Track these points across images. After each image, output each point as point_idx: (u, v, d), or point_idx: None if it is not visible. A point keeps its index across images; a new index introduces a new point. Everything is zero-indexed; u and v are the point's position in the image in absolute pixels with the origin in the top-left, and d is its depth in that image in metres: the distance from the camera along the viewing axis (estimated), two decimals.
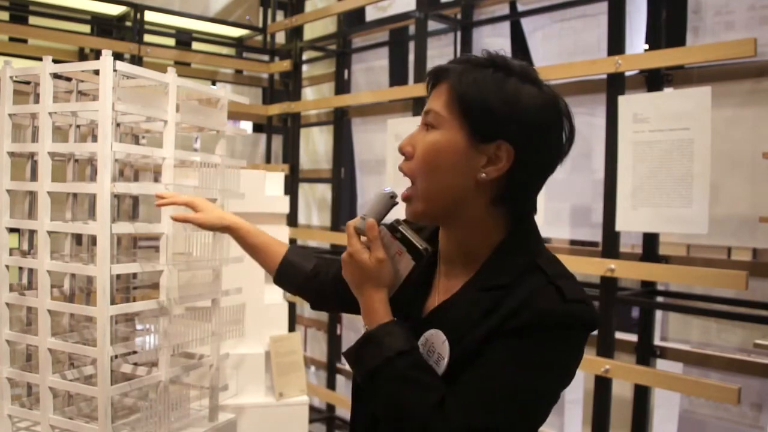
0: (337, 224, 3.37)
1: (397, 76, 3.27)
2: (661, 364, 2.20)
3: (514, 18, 2.72)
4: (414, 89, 2.75)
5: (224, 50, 3.83)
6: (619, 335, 2.24)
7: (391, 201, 1.00)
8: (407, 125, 2.69)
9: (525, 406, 0.89)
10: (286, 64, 3.57)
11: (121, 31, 3.30)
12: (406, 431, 0.90)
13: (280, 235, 2.65)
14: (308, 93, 3.92)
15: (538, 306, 0.88)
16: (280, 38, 3.83)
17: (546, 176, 0.99)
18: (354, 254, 0.98)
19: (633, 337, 2.28)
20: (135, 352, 1.74)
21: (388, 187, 1.01)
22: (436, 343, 0.95)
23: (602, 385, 2.12)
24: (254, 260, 1.37)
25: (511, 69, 0.95)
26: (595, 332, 2.13)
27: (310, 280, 1.29)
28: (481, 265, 0.97)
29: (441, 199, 0.96)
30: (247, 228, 1.36)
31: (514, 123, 0.92)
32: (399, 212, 0.99)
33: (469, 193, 0.95)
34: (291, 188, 3.36)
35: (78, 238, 1.80)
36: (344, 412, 3.40)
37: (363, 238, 1.00)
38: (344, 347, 3.45)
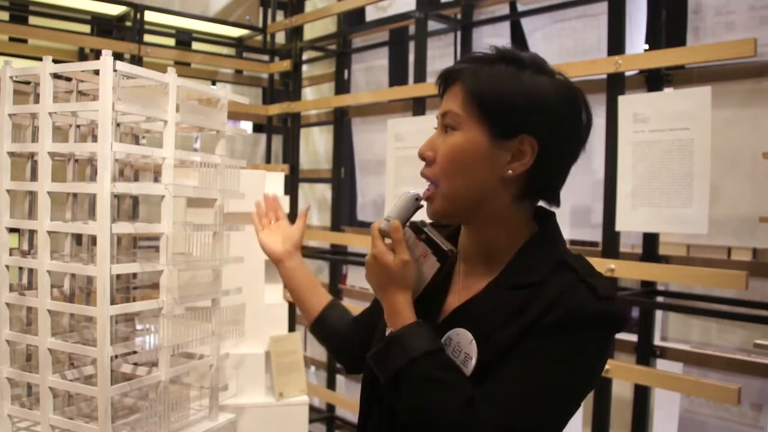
0: (337, 224, 3.37)
1: (397, 76, 3.27)
2: (661, 364, 2.20)
3: (514, 18, 2.72)
4: (414, 89, 2.75)
5: (224, 50, 3.83)
6: (619, 335, 2.22)
7: (416, 203, 0.99)
8: (407, 125, 2.70)
9: (556, 405, 0.88)
10: (286, 64, 3.57)
11: (121, 31, 3.30)
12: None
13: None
14: (308, 93, 3.92)
15: (571, 304, 0.88)
16: (280, 38, 3.83)
17: (570, 166, 0.99)
18: (378, 256, 0.97)
19: (633, 337, 2.27)
20: (135, 352, 1.74)
21: (413, 189, 0.99)
22: (463, 343, 0.93)
23: (602, 385, 2.12)
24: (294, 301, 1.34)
25: (522, 61, 0.94)
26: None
27: (343, 339, 1.26)
28: (506, 264, 0.96)
29: (465, 199, 0.95)
30: (295, 270, 1.32)
31: (535, 115, 0.91)
32: (420, 213, 0.99)
33: (494, 190, 0.94)
34: (291, 188, 3.36)
35: (78, 238, 1.80)
36: (344, 412, 3.40)
37: (387, 240, 0.99)
38: None
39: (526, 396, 0.86)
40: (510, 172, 0.93)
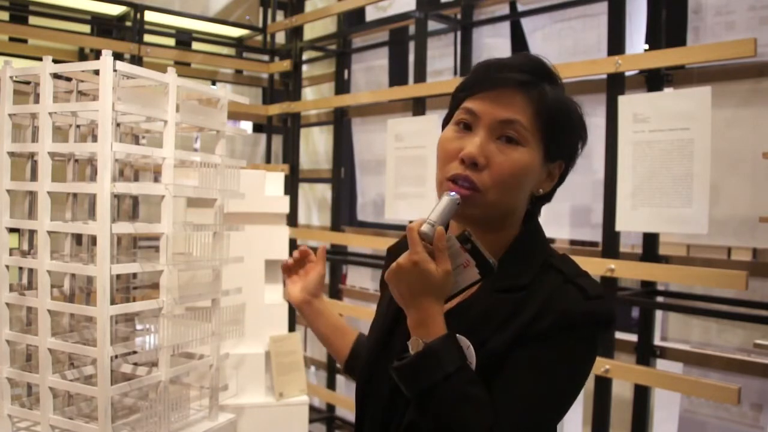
0: (337, 224, 3.37)
1: (397, 76, 3.27)
2: (661, 364, 2.20)
3: (514, 18, 2.72)
4: (414, 89, 2.75)
5: (224, 50, 3.83)
6: (619, 335, 2.24)
7: (457, 207, 0.91)
8: (407, 125, 2.70)
9: (555, 408, 0.91)
10: (286, 64, 3.57)
11: (121, 31, 3.30)
12: None
13: (280, 235, 2.66)
14: (308, 93, 3.92)
15: (562, 307, 0.89)
16: (280, 38, 3.83)
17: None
18: (421, 263, 0.88)
19: (633, 337, 2.27)
20: (135, 352, 1.74)
21: (453, 192, 0.91)
22: (462, 349, 0.92)
23: (602, 385, 2.12)
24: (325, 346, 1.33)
25: (557, 80, 0.97)
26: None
27: None
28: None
29: (501, 211, 0.95)
30: (323, 312, 1.31)
31: (577, 143, 0.98)
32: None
33: (522, 204, 0.98)
34: (291, 188, 3.36)
35: (78, 238, 1.80)
36: (344, 412, 3.40)
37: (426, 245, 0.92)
38: None
39: (535, 406, 0.88)
40: (541, 190, 0.97)
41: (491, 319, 0.92)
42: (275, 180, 2.77)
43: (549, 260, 0.95)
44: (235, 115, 3.58)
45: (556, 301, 0.89)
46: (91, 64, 1.58)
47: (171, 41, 3.62)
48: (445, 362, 0.86)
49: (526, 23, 2.68)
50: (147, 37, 3.27)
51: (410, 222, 1.03)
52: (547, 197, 1.02)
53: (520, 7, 2.70)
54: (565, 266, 0.94)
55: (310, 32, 3.70)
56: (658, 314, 2.30)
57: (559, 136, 0.94)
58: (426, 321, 0.89)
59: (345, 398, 3.25)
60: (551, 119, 0.92)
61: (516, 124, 0.91)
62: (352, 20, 3.59)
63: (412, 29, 3.02)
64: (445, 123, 1.02)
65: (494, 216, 0.95)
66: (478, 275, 0.91)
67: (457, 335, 0.91)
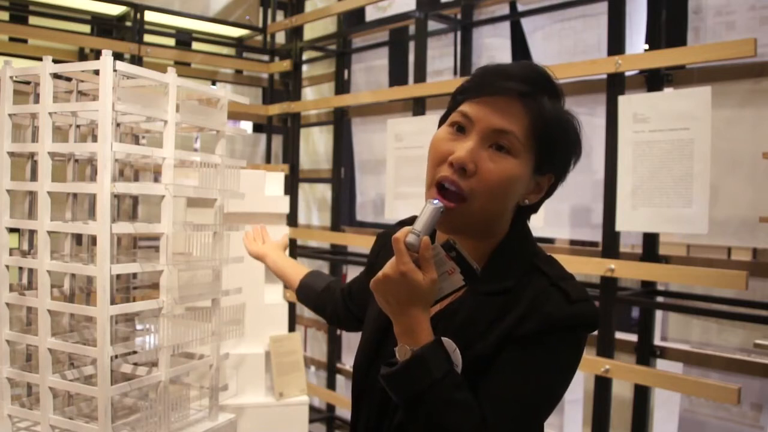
0: (337, 224, 3.37)
1: (397, 76, 3.26)
2: (661, 364, 2.20)
3: (514, 18, 2.72)
4: (414, 89, 2.75)
5: (224, 50, 3.83)
6: (619, 335, 2.24)
7: (440, 216, 0.91)
8: (407, 125, 2.70)
9: (540, 410, 0.92)
10: (286, 64, 3.57)
11: (121, 31, 3.30)
12: None
13: (280, 235, 2.66)
14: (308, 93, 3.92)
15: (546, 310, 0.89)
16: (280, 38, 3.83)
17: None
18: (408, 273, 0.88)
19: (633, 337, 2.27)
20: (135, 352, 1.74)
21: (436, 200, 0.92)
22: (448, 352, 0.92)
23: (602, 385, 2.12)
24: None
25: (558, 93, 0.97)
26: (595, 332, 2.14)
27: (321, 296, 1.39)
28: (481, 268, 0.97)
29: (485, 219, 0.95)
30: (276, 259, 1.54)
31: (569, 159, 0.97)
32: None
33: (507, 213, 0.98)
34: (291, 188, 3.36)
35: (78, 238, 1.80)
36: (344, 412, 3.40)
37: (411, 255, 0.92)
38: (344, 347, 3.47)
39: (520, 408, 0.89)
40: (527, 201, 0.97)
41: (477, 322, 0.93)
42: (275, 180, 2.77)
43: (535, 263, 0.95)
44: (235, 115, 3.58)
45: (540, 304, 0.90)
46: (91, 64, 1.58)
47: (171, 41, 3.62)
48: (432, 369, 0.87)
49: (526, 23, 2.68)
50: (147, 37, 3.27)
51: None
52: (533, 208, 1.01)
53: (520, 7, 2.70)
54: (550, 269, 0.95)
55: (310, 32, 3.70)
56: (658, 314, 2.30)
57: (552, 151, 0.94)
58: (413, 329, 0.90)
59: (345, 398, 3.25)
60: (546, 133, 0.92)
61: (510, 135, 0.91)
62: (352, 20, 3.59)
63: (412, 29, 3.02)
64: (442, 122, 1.01)
65: (478, 224, 0.95)
66: (462, 281, 0.92)
67: (444, 339, 0.91)
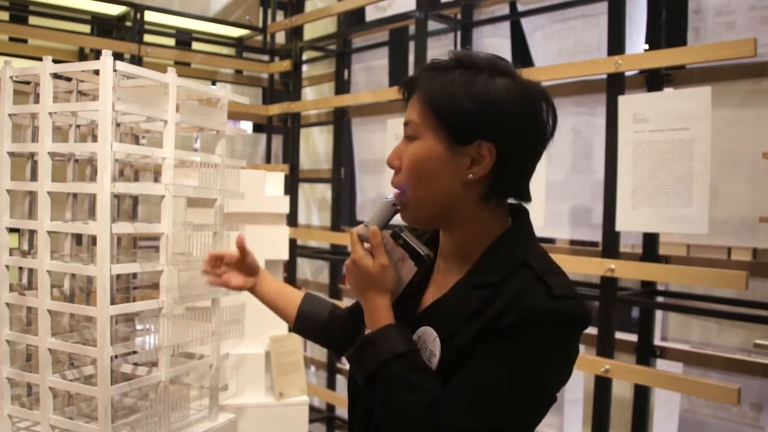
0: (337, 224, 3.37)
1: (397, 76, 3.26)
2: (661, 364, 2.20)
3: (514, 18, 2.72)
4: None
5: (224, 50, 3.83)
6: (619, 335, 2.24)
7: (393, 209, 1.02)
8: None
9: (516, 405, 0.89)
10: (286, 64, 3.57)
11: (121, 31, 3.30)
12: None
13: (280, 235, 2.66)
14: (308, 93, 3.92)
15: (526, 303, 0.89)
16: (280, 38, 3.83)
17: (534, 163, 0.99)
18: (358, 260, 1.00)
19: (633, 337, 2.28)
20: (135, 352, 1.74)
21: (390, 195, 1.02)
22: (428, 341, 0.97)
23: (602, 385, 2.12)
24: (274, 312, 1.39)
25: (478, 66, 0.96)
26: (595, 332, 2.14)
27: (328, 325, 1.29)
28: (474, 262, 0.98)
29: (431, 205, 0.97)
30: (265, 288, 1.38)
31: (488, 120, 0.93)
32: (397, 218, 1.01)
33: (458, 194, 0.96)
34: (291, 188, 3.36)
35: (78, 238, 1.80)
36: (344, 412, 3.38)
37: (366, 245, 1.02)
38: None
39: (482, 397, 0.88)
40: (471, 176, 0.95)
41: (461, 313, 0.94)
42: (275, 180, 2.77)
43: (525, 258, 0.95)
44: (235, 115, 3.58)
45: (522, 297, 0.90)
46: (91, 64, 1.58)
47: (171, 41, 3.62)
48: (383, 350, 0.94)
49: (526, 23, 2.68)
50: (147, 37, 3.27)
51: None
52: (497, 186, 0.96)
53: (520, 7, 2.70)
54: (538, 264, 0.94)
55: (310, 32, 3.70)
56: (658, 314, 2.31)
57: (450, 120, 0.94)
58: (373, 313, 1.00)
59: (345, 398, 3.24)
60: (446, 105, 0.94)
61: (411, 123, 0.98)
62: (352, 20, 3.59)
63: (412, 29, 3.02)
64: None
65: (433, 213, 0.98)
66: (415, 267, 1.01)
67: (428, 327, 0.97)
